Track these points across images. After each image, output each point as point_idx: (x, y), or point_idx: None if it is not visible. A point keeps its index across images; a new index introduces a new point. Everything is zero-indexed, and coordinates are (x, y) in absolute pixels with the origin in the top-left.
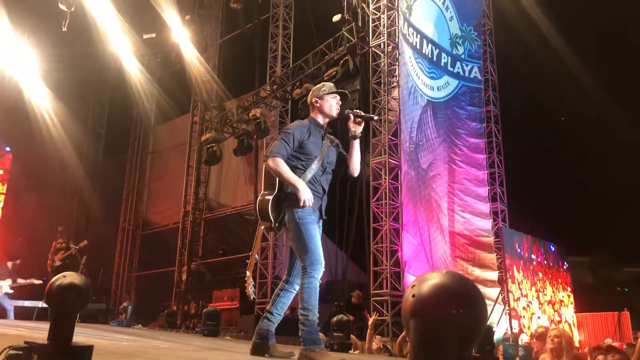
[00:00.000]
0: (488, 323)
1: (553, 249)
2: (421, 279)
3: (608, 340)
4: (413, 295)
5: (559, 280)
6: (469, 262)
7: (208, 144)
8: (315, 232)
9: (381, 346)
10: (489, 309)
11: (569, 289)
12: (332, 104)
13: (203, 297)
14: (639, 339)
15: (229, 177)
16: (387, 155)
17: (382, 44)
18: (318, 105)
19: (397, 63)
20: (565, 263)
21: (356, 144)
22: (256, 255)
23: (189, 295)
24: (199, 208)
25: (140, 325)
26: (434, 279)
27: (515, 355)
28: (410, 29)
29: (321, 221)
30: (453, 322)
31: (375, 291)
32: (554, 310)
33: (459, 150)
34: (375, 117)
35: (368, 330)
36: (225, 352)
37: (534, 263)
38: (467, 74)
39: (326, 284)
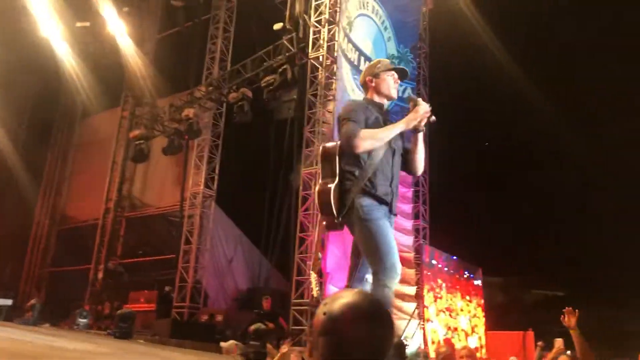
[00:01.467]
0: (402, 337)
1: (455, 257)
2: (333, 297)
3: (512, 359)
4: (324, 313)
5: (458, 287)
6: None
7: (136, 141)
8: (388, 230)
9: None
10: (405, 323)
11: (468, 297)
12: (389, 84)
13: (119, 297)
14: (537, 347)
15: (155, 176)
16: (319, 167)
17: (320, 57)
18: (373, 84)
19: (334, 77)
20: (467, 272)
21: (420, 137)
22: (319, 254)
23: (104, 294)
24: (121, 206)
25: (48, 324)
26: (345, 298)
27: None
28: (350, 44)
29: (393, 218)
30: (362, 341)
31: (297, 300)
32: (451, 317)
33: None
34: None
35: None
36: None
37: (434, 269)
38: (400, 94)
39: (247, 291)
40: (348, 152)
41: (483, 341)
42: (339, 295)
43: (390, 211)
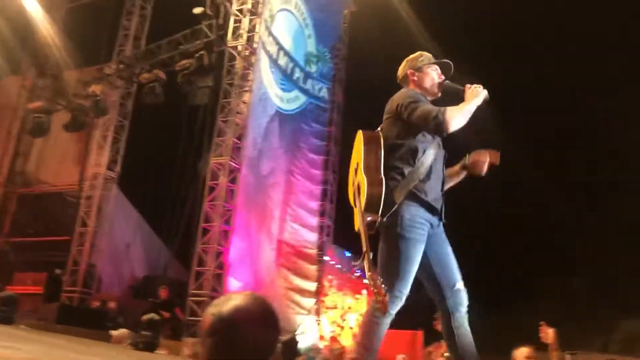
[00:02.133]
0: (296, 333)
1: (348, 254)
2: (224, 298)
3: (400, 357)
4: (213, 314)
5: (349, 285)
6: (290, 271)
7: (36, 113)
8: (417, 256)
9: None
10: (302, 318)
11: (358, 296)
12: (434, 79)
13: (2, 278)
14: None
15: (54, 153)
16: (228, 157)
17: (239, 47)
18: (415, 78)
19: (252, 68)
20: (359, 270)
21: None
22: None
23: None
24: (13, 181)
25: None
26: (234, 300)
27: None
28: (270, 37)
29: (441, 224)
30: (247, 343)
31: (195, 291)
32: (340, 316)
33: (299, 163)
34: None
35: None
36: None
37: (326, 266)
38: (316, 92)
39: (144, 279)
40: (406, 149)
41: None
42: (230, 297)
43: (440, 219)
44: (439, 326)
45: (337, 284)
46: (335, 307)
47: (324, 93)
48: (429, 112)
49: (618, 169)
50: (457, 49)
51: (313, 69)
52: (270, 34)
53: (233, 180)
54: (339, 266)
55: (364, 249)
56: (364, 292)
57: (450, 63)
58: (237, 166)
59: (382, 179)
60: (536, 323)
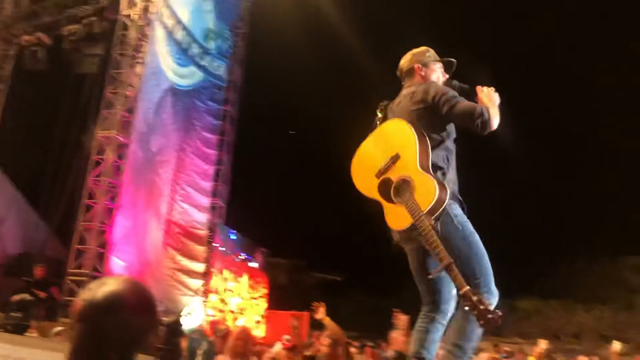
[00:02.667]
0: (181, 315)
1: (234, 237)
2: (97, 282)
3: (285, 337)
4: (84, 300)
5: (233, 268)
6: (178, 252)
7: None
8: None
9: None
10: (189, 299)
11: (240, 279)
12: (439, 77)
13: None
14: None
15: None
16: (116, 131)
17: (134, 16)
18: (423, 73)
19: (146, 39)
20: (244, 254)
21: None
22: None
23: None
24: None
25: None
26: (108, 285)
27: (198, 349)
28: (168, 10)
29: None
30: (118, 330)
31: (74, 270)
32: (220, 300)
33: (192, 141)
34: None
35: None
36: None
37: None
38: (213, 70)
39: (18, 256)
40: (441, 148)
41: (262, 321)
42: (104, 282)
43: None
44: (319, 315)
45: (219, 266)
46: (215, 292)
47: (222, 71)
48: (474, 108)
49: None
50: (364, 30)
51: (211, 45)
52: (168, 5)
53: (120, 156)
54: (223, 248)
55: (442, 257)
56: (246, 275)
57: (455, 61)
58: (126, 141)
59: (444, 184)
60: (417, 304)
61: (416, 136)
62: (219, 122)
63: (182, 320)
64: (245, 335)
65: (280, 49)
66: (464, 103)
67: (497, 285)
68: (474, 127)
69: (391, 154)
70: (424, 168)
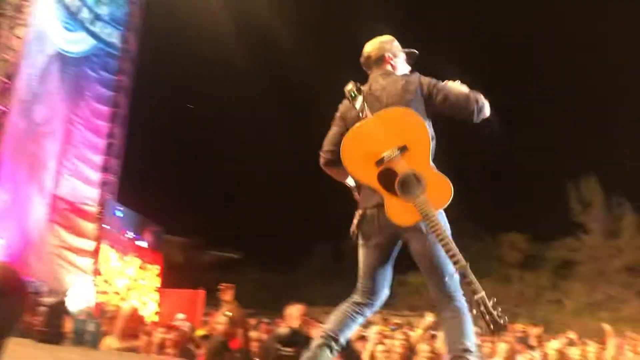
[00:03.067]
0: (66, 295)
1: (121, 214)
2: None
3: (180, 316)
4: None
5: (118, 247)
6: (65, 229)
7: None
8: None
9: None
10: (76, 278)
11: (128, 258)
12: (405, 67)
13: None
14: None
15: None
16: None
17: None
18: (393, 63)
19: (29, 0)
20: (131, 232)
21: None
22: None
23: None
24: None
25: None
26: None
27: (84, 330)
28: None
29: None
30: None
31: None
32: (104, 281)
33: (81, 113)
34: None
35: None
36: None
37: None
38: (106, 37)
39: None
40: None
41: (153, 301)
42: None
43: None
44: (225, 296)
45: (105, 245)
46: (98, 273)
47: (116, 39)
48: (469, 94)
49: None
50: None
51: (105, 11)
52: None
53: None
54: (107, 226)
55: (459, 260)
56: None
57: (417, 52)
58: (5, 109)
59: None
60: (312, 281)
61: (430, 131)
62: (111, 92)
63: (67, 301)
64: (135, 316)
65: (180, 17)
66: (456, 90)
67: None
68: (468, 114)
69: (398, 144)
70: (433, 166)
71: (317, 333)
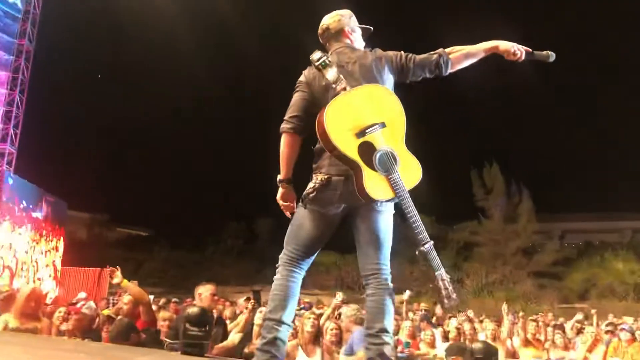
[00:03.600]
0: None
1: (11, 181)
2: None
3: (81, 295)
4: None
5: (10, 219)
6: None
7: None
8: None
9: None
10: None
11: (22, 231)
12: (361, 42)
13: None
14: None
15: None
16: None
17: None
18: (352, 38)
19: None
20: (24, 202)
21: None
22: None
23: None
24: None
25: None
26: None
27: None
28: None
29: None
30: None
31: None
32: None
33: None
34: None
35: None
36: None
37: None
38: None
39: None
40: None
41: (51, 278)
42: None
43: None
44: (114, 279)
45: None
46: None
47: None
48: (431, 52)
49: None
50: None
51: None
52: None
53: None
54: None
55: (424, 237)
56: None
57: (372, 29)
58: None
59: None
60: (223, 260)
61: (403, 113)
62: (12, 57)
63: None
64: (35, 295)
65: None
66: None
67: None
68: (436, 69)
69: (378, 120)
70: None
71: (268, 324)
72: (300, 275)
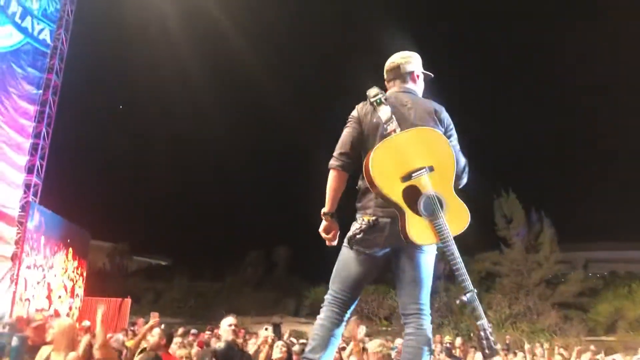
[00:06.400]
0: None
1: (44, 218)
2: None
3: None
4: None
5: (40, 253)
6: None
7: None
8: None
9: None
10: None
11: (54, 261)
12: (422, 86)
13: None
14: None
15: None
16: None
17: None
18: (419, 83)
19: None
20: (53, 237)
21: None
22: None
23: None
24: None
25: None
26: None
27: (7, 344)
28: None
29: None
30: None
31: None
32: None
33: (5, 110)
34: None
35: None
36: None
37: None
38: (36, 33)
39: None
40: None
41: (77, 309)
42: None
43: None
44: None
45: (29, 247)
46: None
47: (46, 35)
48: (465, 160)
49: None
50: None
51: (35, 6)
52: None
53: None
54: (31, 227)
55: (468, 285)
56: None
57: (432, 75)
58: None
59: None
60: (244, 290)
61: (454, 157)
62: (40, 91)
63: None
64: (70, 328)
65: (113, 16)
66: (458, 149)
67: (309, 276)
68: (459, 174)
69: (427, 164)
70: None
71: None
72: (344, 316)
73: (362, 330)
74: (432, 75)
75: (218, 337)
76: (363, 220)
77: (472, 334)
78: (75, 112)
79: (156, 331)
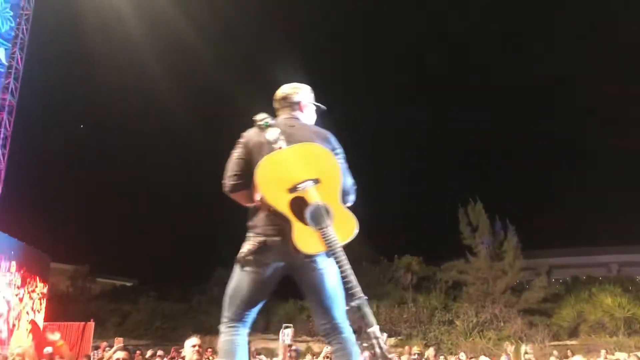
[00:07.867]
0: None
1: None
2: None
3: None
4: None
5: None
6: None
7: None
8: None
9: None
10: None
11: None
12: (312, 117)
13: None
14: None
15: None
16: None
17: None
18: (306, 112)
19: None
20: (9, 260)
21: None
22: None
23: None
24: None
25: None
26: None
27: None
28: None
29: None
30: None
31: None
32: None
33: None
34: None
35: None
36: None
37: None
38: None
39: None
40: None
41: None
42: None
43: None
44: None
45: None
46: None
47: (1, 55)
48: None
49: None
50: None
51: None
52: None
53: None
54: None
55: (357, 292)
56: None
57: (324, 108)
58: None
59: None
60: (211, 309)
61: (338, 169)
62: None
63: None
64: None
65: (70, 34)
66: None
67: (277, 292)
68: (347, 190)
69: (312, 176)
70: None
71: None
72: (244, 329)
73: (288, 333)
74: (324, 107)
75: (183, 359)
76: (250, 241)
77: (435, 344)
78: (32, 132)
79: (120, 354)
